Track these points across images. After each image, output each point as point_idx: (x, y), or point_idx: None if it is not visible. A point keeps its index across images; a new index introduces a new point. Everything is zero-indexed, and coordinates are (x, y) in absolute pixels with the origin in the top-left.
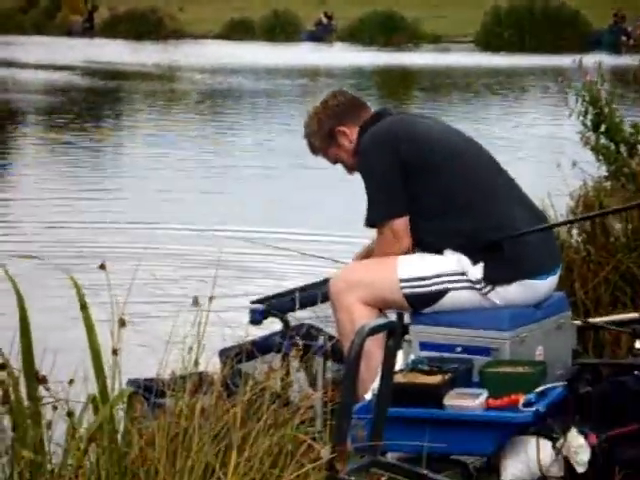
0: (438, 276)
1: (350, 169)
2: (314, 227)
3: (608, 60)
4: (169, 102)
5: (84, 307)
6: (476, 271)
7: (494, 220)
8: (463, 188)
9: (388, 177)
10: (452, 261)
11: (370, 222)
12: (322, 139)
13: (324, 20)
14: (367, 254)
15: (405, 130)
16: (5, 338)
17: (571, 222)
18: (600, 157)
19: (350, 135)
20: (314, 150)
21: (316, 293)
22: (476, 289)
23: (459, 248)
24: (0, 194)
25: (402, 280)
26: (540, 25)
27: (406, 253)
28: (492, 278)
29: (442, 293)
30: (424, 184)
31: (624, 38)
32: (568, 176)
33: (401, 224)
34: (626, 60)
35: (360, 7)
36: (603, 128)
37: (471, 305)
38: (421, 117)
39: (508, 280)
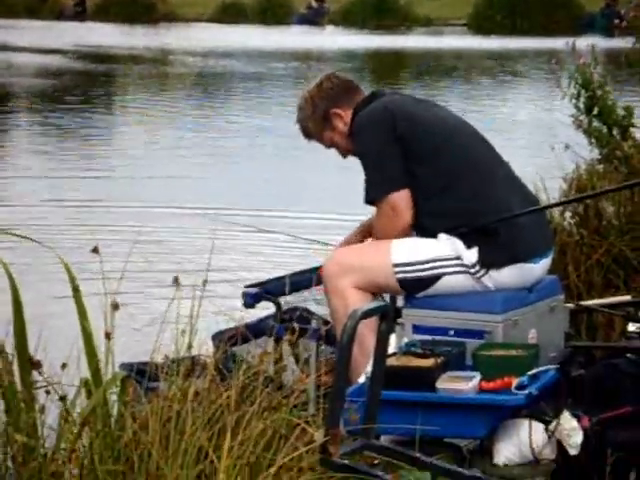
0: (432, 261)
1: (344, 152)
2: (306, 208)
3: (601, 43)
4: (161, 85)
5: (76, 290)
6: (471, 255)
7: (493, 204)
8: (464, 169)
9: (385, 155)
10: (446, 245)
11: (368, 199)
12: (316, 122)
13: (314, 4)
14: (365, 232)
15: (401, 109)
16: None
17: (564, 203)
18: (593, 140)
19: (345, 117)
20: (308, 134)
21: (309, 277)
22: (470, 273)
23: (455, 229)
24: None
25: (396, 265)
26: (532, 8)
27: (407, 229)
28: (487, 262)
29: (436, 278)
30: (423, 165)
31: (616, 21)
32: (561, 159)
33: (400, 198)
34: (619, 43)
35: None
36: (596, 111)
37: (464, 289)
38: (416, 98)
39: (502, 264)
